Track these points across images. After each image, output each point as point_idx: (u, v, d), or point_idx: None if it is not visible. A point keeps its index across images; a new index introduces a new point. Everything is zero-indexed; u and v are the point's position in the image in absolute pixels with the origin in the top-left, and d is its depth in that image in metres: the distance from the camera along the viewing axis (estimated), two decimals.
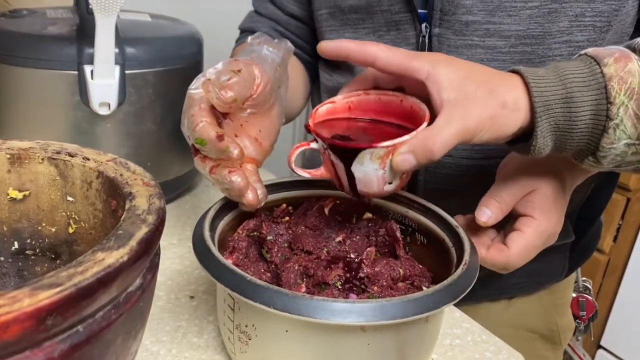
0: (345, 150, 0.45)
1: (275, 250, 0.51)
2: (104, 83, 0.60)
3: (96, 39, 0.58)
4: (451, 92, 0.44)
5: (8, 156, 0.37)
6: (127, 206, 0.31)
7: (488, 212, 0.52)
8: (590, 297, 0.90)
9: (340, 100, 0.52)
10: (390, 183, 0.47)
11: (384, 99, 0.51)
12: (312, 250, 0.51)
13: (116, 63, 0.61)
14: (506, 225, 0.56)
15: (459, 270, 0.42)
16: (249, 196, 0.47)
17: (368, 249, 0.50)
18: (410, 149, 0.44)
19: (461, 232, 0.48)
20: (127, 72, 0.62)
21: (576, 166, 0.53)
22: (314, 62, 0.78)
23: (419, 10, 0.61)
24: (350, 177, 0.47)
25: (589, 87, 0.44)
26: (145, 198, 0.32)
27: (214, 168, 0.46)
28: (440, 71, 0.45)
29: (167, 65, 0.66)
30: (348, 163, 0.46)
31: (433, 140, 0.43)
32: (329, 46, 0.49)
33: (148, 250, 0.28)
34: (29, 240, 0.39)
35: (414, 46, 0.63)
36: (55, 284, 0.23)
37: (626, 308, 1.56)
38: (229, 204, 0.51)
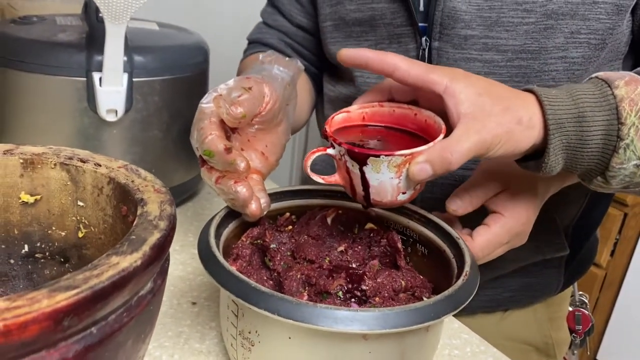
0: (363, 157, 0.46)
1: (278, 258, 0.51)
2: (112, 90, 0.61)
3: (106, 46, 0.59)
4: (468, 106, 0.45)
5: (21, 161, 0.38)
6: (139, 212, 0.31)
7: (459, 202, 0.54)
8: (586, 312, 0.91)
9: (355, 111, 0.53)
10: (404, 193, 0.48)
11: (398, 112, 0.52)
12: (315, 259, 0.52)
13: (124, 71, 0.62)
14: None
15: (460, 281, 0.43)
16: (252, 206, 0.48)
17: (371, 262, 0.50)
18: (428, 159, 0.45)
19: (462, 243, 0.49)
20: (134, 79, 0.63)
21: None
22: (319, 74, 0.80)
23: (420, 24, 0.63)
24: (365, 185, 0.48)
25: (601, 108, 0.46)
26: (156, 204, 0.32)
27: (220, 179, 0.47)
28: (458, 85, 0.46)
29: (174, 73, 0.67)
30: (364, 170, 0.47)
31: (451, 150, 0.44)
32: (348, 54, 0.50)
33: (160, 255, 0.29)
34: (38, 244, 0.39)
35: (414, 59, 0.64)
36: (72, 286, 0.24)
37: (623, 322, 1.57)
38: (233, 212, 0.52)
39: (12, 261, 0.39)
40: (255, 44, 0.80)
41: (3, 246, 0.39)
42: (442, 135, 0.46)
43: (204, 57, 0.73)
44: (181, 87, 0.69)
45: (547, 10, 0.57)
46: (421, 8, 0.63)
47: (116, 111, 0.63)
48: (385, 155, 0.45)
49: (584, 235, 0.75)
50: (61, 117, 0.63)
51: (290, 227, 0.55)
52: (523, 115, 0.46)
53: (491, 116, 0.45)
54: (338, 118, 0.52)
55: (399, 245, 0.52)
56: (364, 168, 0.46)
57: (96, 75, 0.61)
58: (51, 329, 0.23)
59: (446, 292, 0.42)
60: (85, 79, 0.61)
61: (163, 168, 0.70)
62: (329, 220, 0.55)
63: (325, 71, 0.78)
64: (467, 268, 0.45)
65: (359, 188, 0.49)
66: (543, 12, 0.57)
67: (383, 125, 0.53)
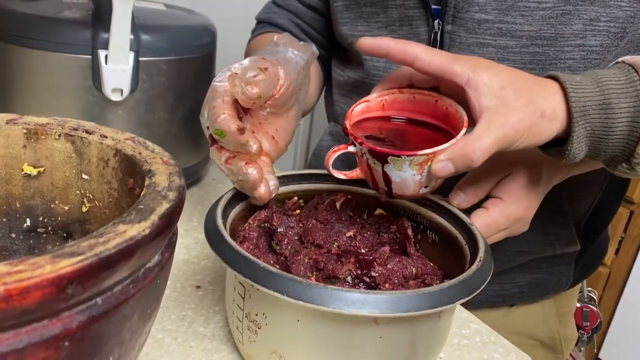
0: (384, 156, 0.45)
1: (286, 242, 0.50)
2: (117, 68, 0.60)
3: (112, 23, 0.57)
4: (490, 99, 0.44)
5: (24, 131, 0.36)
6: (146, 183, 0.30)
7: (462, 196, 0.54)
8: (594, 308, 0.90)
9: (374, 99, 0.52)
10: (426, 187, 0.48)
11: (418, 99, 0.51)
12: (323, 244, 0.50)
13: (131, 49, 0.60)
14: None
15: (474, 267, 0.42)
16: (261, 189, 0.47)
17: (382, 248, 0.49)
18: (450, 157, 0.44)
19: (475, 229, 0.48)
20: (141, 59, 0.62)
21: (557, 162, 0.54)
22: (328, 57, 0.78)
23: (433, 7, 0.61)
24: (387, 180, 0.47)
25: (627, 94, 0.44)
26: (165, 176, 0.31)
27: (230, 159, 0.46)
28: (480, 77, 0.45)
29: (181, 54, 0.66)
30: (386, 168, 0.46)
31: (473, 148, 0.43)
32: (369, 42, 0.48)
33: (169, 225, 0.27)
34: (41, 218, 0.38)
35: (426, 42, 0.62)
36: (76, 252, 0.23)
37: (626, 321, 1.56)
38: (240, 194, 0.51)
39: (13, 235, 0.38)
40: (264, 24, 0.78)
41: (4, 220, 0.38)
42: (464, 130, 0.45)
43: (211, 38, 0.72)
44: (188, 68, 0.67)
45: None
46: None
47: (121, 90, 0.61)
48: (407, 156, 0.44)
49: (595, 231, 0.74)
50: (65, 95, 0.62)
51: (298, 211, 0.54)
52: (546, 107, 0.45)
53: (514, 110, 0.44)
54: (357, 110, 0.51)
55: (409, 232, 0.51)
56: (386, 166, 0.46)
57: (102, 53, 0.60)
58: (54, 296, 0.22)
59: (460, 277, 0.40)
60: (90, 56, 0.60)
61: (168, 150, 0.68)
62: (337, 205, 0.54)
63: (334, 55, 0.77)
64: (481, 254, 0.44)
65: (381, 183, 0.48)
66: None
67: (403, 116, 0.52)
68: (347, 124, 0.49)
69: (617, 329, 1.57)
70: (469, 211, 0.53)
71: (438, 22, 0.61)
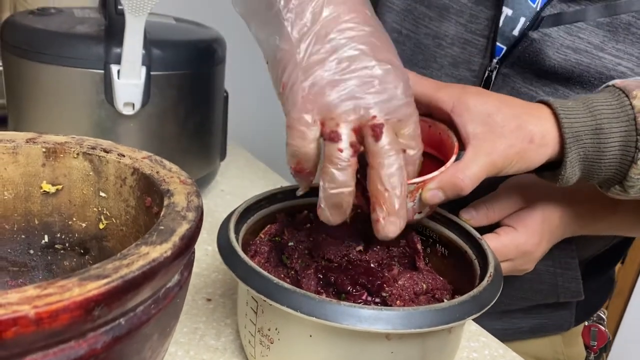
0: None
1: (296, 256, 0.51)
2: (130, 83, 0.61)
3: (125, 39, 0.58)
4: (477, 126, 0.45)
5: (44, 150, 0.37)
6: (165, 203, 0.31)
7: (473, 213, 0.54)
8: (603, 327, 0.88)
9: None
10: (419, 212, 0.49)
11: None
12: (333, 258, 0.51)
13: (142, 64, 0.61)
14: None
15: (484, 282, 0.42)
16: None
17: (391, 272, 0.49)
18: (439, 185, 0.45)
19: (484, 244, 0.48)
20: (152, 73, 0.63)
21: (575, 213, 0.55)
22: None
23: (497, 44, 0.59)
24: None
25: (619, 119, 0.45)
26: (183, 195, 0.32)
27: None
28: (466, 104, 0.46)
29: (192, 68, 0.67)
30: None
31: (461, 176, 0.44)
32: None
33: (189, 246, 0.28)
34: (59, 235, 0.39)
35: (473, 77, 0.61)
36: (102, 275, 0.23)
37: (633, 330, 1.55)
38: (251, 208, 0.52)
39: (31, 251, 0.39)
40: None
41: (23, 236, 0.38)
42: (453, 158, 0.46)
43: (221, 51, 0.73)
44: (198, 81, 0.68)
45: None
46: (501, 23, 0.58)
47: (133, 104, 0.62)
48: None
49: (597, 275, 0.73)
50: (78, 110, 0.63)
51: (308, 225, 0.55)
52: (536, 133, 0.45)
53: (502, 137, 0.45)
54: None
55: (419, 246, 0.51)
56: None
57: (114, 68, 0.60)
58: (81, 318, 0.22)
59: (471, 293, 0.41)
60: (103, 71, 0.61)
61: (178, 163, 0.68)
62: (347, 219, 0.54)
63: None
64: (491, 269, 0.44)
65: None
66: None
67: None
68: None
69: (623, 338, 1.57)
70: (480, 234, 0.54)
71: (497, 62, 0.59)
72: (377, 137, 0.38)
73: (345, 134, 0.38)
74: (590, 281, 0.71)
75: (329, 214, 0.42)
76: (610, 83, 0.48)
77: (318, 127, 0.39)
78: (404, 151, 0.41)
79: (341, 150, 0.38)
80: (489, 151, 0.45)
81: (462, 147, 0.47)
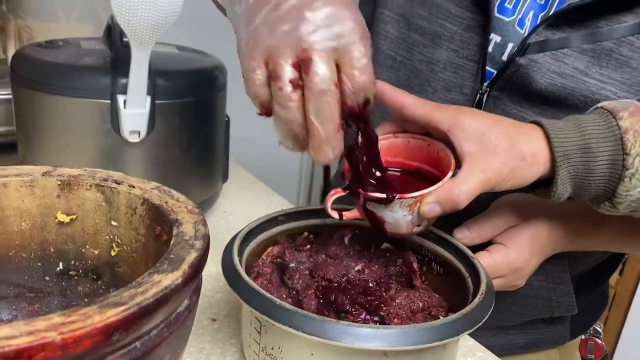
0: (377, 200, 0.49)
1: (297, 277, 0.53)
2: (135, 112, 0.63)
3: (131, 70, 0.61)
4: (472, 144, 0.48)
5: (59, 182, 0.39)
6: (174, 232, 0.33)
7: (466, 232, 0.57)
8: (599, 341, 0.90)
9: None
10: (418, 226, 0.51)
11: (412, 143, 0.55)
12: (332, 278, 0.53)
13: (147, 94, 0.64)
14: None
15: (477, 300, 0.45)
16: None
17: (388, 293, 0.51)
18: (436, 200, 0.48)
19: (477, 262, 0.50)
20: (157, 102, 0.65)
21: (562, 227, 0.57)
22: None
23: (487, 68, 0.61)
24: (382, 220, 0.51)
25: (606, 139, 0.47)
26: (191, 225, 0.34)
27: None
28: (462, 123, 0.49)
29: (195, 96, 0.69)
30: (379, 209, 0.50)
31: (457, 191, 0.47)
32: None
33: (197, 273, 0.30)
34: (73, 262, 0.41)
35: (466, 98, 0.63)
36: (120, 302, 0.26)
37: (632, 341, 1.56)
38: (253, 231, 0.54)
39: (47, 278, 0.41)
40: None
41: (39, 264, 0.41)
42: (450, 174, 0.49)
43: (223, 78, 0.75)
44: (201, 108, 0.71)
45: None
46: (490, 49, 0.61)
47: (139, 132, 0.65)
48: (398, 198, 0.48)
49: (590, 288, 0.75)
50: (86, 138, 0.65)
51: (308, 246, 0.57)
52: (527, 152, 0.48)
53: (495, 155, 0.48)
54: None
55: (415, 265, 0.54)
56: (379, 208, 0.50)
57: (120, 98, 0.63)
58: (102, 343, 0.25)
59: (464, 311, 0.43)
60: (109, 101, 0.64)
61: (182, 187, 0.71)
62: (346, 240, 0.57)
63: None
64: (483, 287, 0.46)
65: (377, 223, 0.52)
66: None
67: (397, 160, 0.56)
68: (344, 167, 0.52)
69: (623, 349, 1.58)
70: (472, 251, 0.56)
71: (487, 86, 0.61)
72: (306, 70, 0.38)
73: (284, 71, 0.39)
74: (583, 296, 0.73)
75: (289, 145, 0.43)
76: (599, 105, 0.50)
77: (263, 70, 0.40)
78: (343, 81, 0.40)
79: (281, 89, 0.39)
80: (483, 168, 0.48)
81: (459, 164, 0.49)
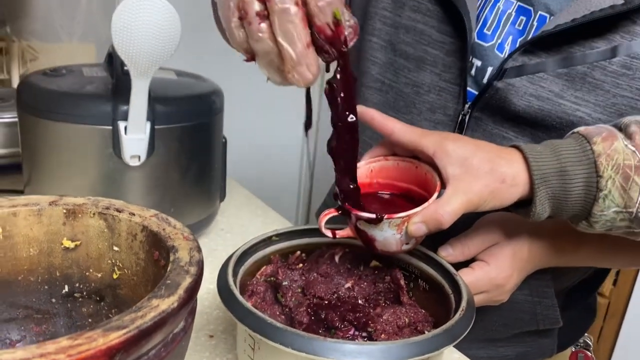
0: (367, 219, 0.52)
1: (290, 295, 0.56)
2: (136, 138, 0.66)
3: (131, 98, 0.64)
4: (456, 168, 0.51)
5: (64, 211, 0.42)
6: (171, 258, 0.36)
7: (450, 251, 0.60)
8: (589, 354, 0.92)
9: (363, 166, 0.59)
10: (407, 244, 0.55)
11: (402, 165, 0.58)
12: (324, 295, 0.56)
13: (147, 119, 0.67)
14: None
15: (457, 316, 0.47)
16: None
17: (375, 310, 0.54)
18: (422, 220, 0.51)
19: (459, 279, 0.53)
20: (156, 127, 0.68)
21: (543, 246, 0.60)
22: None
23: (468, 89, 0.65)
24: (372, 239, 0.54)
25: (581, 162, 0.51)
26: (186, 251, 0.37)
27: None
28: (446, 148, 0.52)
29: (193, 120, 0.73)
30: (369, 228, 0.53)
31: (442, 212, 0.50)
32: (359, 110, 0.54)
33: (192, 297, 0.33)
34: (77, 285, 0.44)
35: (449, 120, 0.66)
36: (122, 326, 0.29)
37: (627, 351, 1.58)
38: (247, 251, 0.57)
39: (53, 300, 0.44)
40: None
41: (46, 287, 0.43)
42: (435, 195, 0.52)
43: (220, 102, 0.79)
44: (199, 132, 0.74)
45: None
46: (472, 72, 0.64)
47: (139, 156, 0.68)
48: (386, 218, 0.51)
49: (577, 303, 0.77)
50: (88, 162, 0.68)
51: (300, 264, 0.60)
52: (507, 174, 0.51)
53: (477, 177, 0.51)
54: None
55: (402, 282, 0.56)
56: (370, 227, 0.53)
57: (121, 124, 0.66)
58: None
59: (444, 326, 0.46)
60: (111, 127, 0.67)
61: (181, 207, 0.75)
62: (336, 258, 0.60)
63: None
64: (463, 303, 0.49)
65: (367, 241, 0.55)
66: None
67: (387, 182, 0.59)
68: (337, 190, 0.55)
69: (619, 359, 1.60)
70: (456, 269, 0.59)
71: (468, 108, 0.64)
72: None
73: (250, 7, 0.40)
74: (570, 310, 0.75)
75: (275, 79, 0.44)
76: (575, 130, 0.54)
77: (237, 15, 0.41)
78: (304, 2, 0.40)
79: (250, 23, 0.41)
80: (466, 190, 0.51)
81: (443, 185, 0.53)
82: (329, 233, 0.57)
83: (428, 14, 0.66)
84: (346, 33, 0.43)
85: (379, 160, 0.59)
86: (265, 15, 0.40)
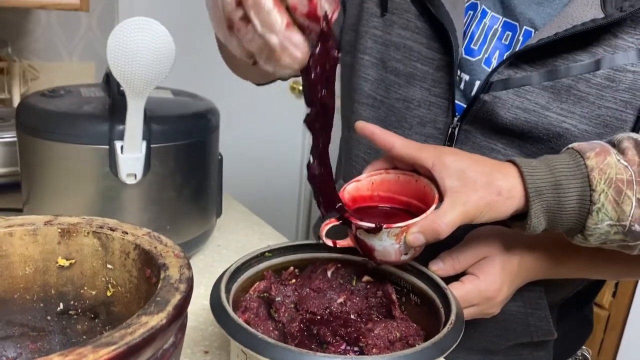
0: (367, 229, 0.54)
1: (283, 310, 0.56)
2: (132, 157, 0.68)
3: (127, 119, 0.66)
4: (453, 181, 0.53)
5: (59, 230, 0.44)
6: (162, 276, 0.37)
7: (441, 265, 0.60)
8: None
9: (364, 178, 0.60)
10: (405, 254, 0.56)
11: (402, 178, 0.59)
12: (316, 310, 0.57)
13: (143, 138, 0.68)
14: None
15: (445, 329, 0.48)
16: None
17: (366, 326, 0.55)
18: (420, 230, 0.52)
19: (449, 293, 0.54)
20: (152, 146, 0.70)
21: (532, 259, 0.61)
22: None
23: (456, 102, 0.66)
24: (372, 249, 0.55)
25: (575, 176, 0.52)
26: (176, 269, 0.38)
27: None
28: (445, 161, 0.53)
29: (188, 139, 0.74)
30: (369, 238, 0.55)
31: (439, 222, 0.51)
32: (361, 125, 0.58)
33: (181, 313, 0.34)
34: (72, 302, 0.45)
35: (439, 133, 0.68)
36: (111, 342, 0.30)
37: None
38: (241, 268, 0.58)
39: (49, 317, 0.45)
40: None
41: (41, 305, 0.44)
42: (433, 206, 0.53)
43: (215, 121, 0.80)
44: (194, 150, 0.75)
45: (575, 142, 0.60)
46: (461, 86, 0.66)
47: (135, 175, 0.69)
48: (385, 227, 0.53)
49: (571, 316, 0.78)
50: (86, 181, 0.70)
51: (293, 280, 0.61)
52: (503, 187, 0.53)
53: (474, 190, 0.52)
54: (350, 187, 0.60)
55: (393, 297, 0.57)
56: (369, 236, 0.54)
57: (118, 144, 0.68)
58: None
59: (433, 339, 0.47)
60: (108, 146, 0.68)
61: (177, 224, 0.76)
62: (329, 273, 0.60)
63: (342, 110, 0.81)
64: (452, 317, 0.50)
65: (367, 251, 0.56)
66: (572, 142, 0.60)
67: (388, 194, 0.60)
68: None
69: None
70: (447, 282, 0.60)
71: (457, 121, 0.66)
72: None
73: (235, 15, 0.43)
74: (565, 322, 0.76)
75: (268, 67, 0.45)
76: (570, 146, 0.55)
77: (226, 24, 0.44)
78: None
79: (239, 30, 0.43)
80: (463, 202, 0.52)
81: (441, 198, 0.54)
82: (329, 243, 0.58)
83: (417, 32, 0.68)
84: (326, 7, 0.43)
85: (380, 173, 0.60)
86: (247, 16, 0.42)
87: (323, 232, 0.58)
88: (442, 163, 0.54)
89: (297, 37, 0.43)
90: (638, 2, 0.57)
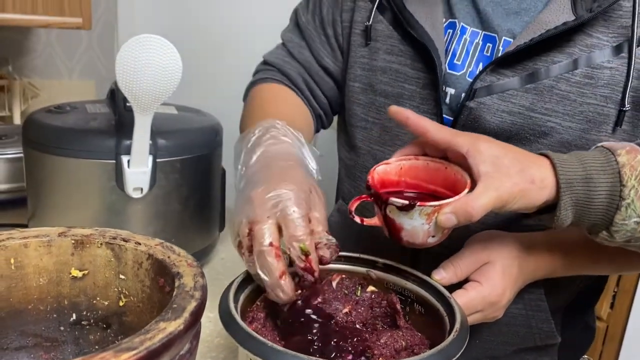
0: (399, 206, 0.54)
1: (289, 321, 0.57)
2: (138, 171, 0.69)
3: (134, 134, 0.67)
4: (488, 166, 0.53)
5: (73, 242, 0.45)
6: (176, 284, 0.38)
7: (443, 274, 0.61)
8: None
9: (394, 162, 0.61)
10: (433, 237, 0.56)
11: (432, 165, 0.60)
12: (322, 321, 0.57)
13: (149, 153, 0.70)
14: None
15: (450, 337, 0.49)
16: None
17: (372, 335, 0.55)
18: (453, 210, 0.53)
19: (453, 301, 0.55)
20: (158, 160, 0.71)
21: (532, 260, 0.63)
22: (322, 116, 0.84)
23: (444, 116, 0.68)
24: (400, 228, 0.55)
25: (605, 171, 0.54)
26: (191, 277, 0.39)
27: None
28: (479, 147, 0.54)
29: (193, 153, 0.75)
30: (399, 216, 0.55)
31: (473, 205, 0.52)
32: (395, 109, 0.59)
33: (196, 320, 0.35)
34: (85, 312, 0.46)
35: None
36: (132, 347, 0.30)
37: None
38: (248, 278, 0.58)
39: (62, 328, 0.45)
40: (273, 69, 0.82)
41: (55, 315, 0.45)
42: (467, 190, 0.54)
43: (219, 136, 0.81)
44: (199, 164, 0.77)
45: (562, 139, 0.64)
46: (447, 100, 0.68)
47: (142, 189, 0.70)
48: (418, 205, 0.53)
49: (575, 321, 0.79)
50: (92, 195, 0.71)
51: (299, 291, 0.61)
52: (536, 176, 0.54)
53: (508, 176, 0.53)
54: (379, 169, 0.60)
55: (398, 306, 0.58)
56: (400, 214, 0.54)
57: (124, 158, 0.69)
58: None
59: (438, 347, 0.48)
60: (114, 161, 0.69)
61: (182, 237, 0.77)
62: (334, 284, 0.61)
63: (339, 139, 0.84)
64: (457, 325, 0.51)
65: (395, 230, 0.56)
66: (558, 139, 0.64)
67: (416, 181, 0.60)
68: (369, 179, 0.57)
69: None
70: (450, 291, 0.61)
71: None
72: (251, 237, 0.52)
73: (245, 242, 0.52)
74: (568, 327, 0.77)
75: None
76: (599, 144, 0.57)
77: (237, 239, 0.53)
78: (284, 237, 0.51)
79: (243, 254, 0.53)
80: (496, 187, 0.53)
81: (474, 185, 0.54)
82: (357, 219, 0.58)
83: (401, 54, 0.71)
84: (327, 255, 0.52)
85: (409, 159, 0.60)
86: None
87: (353, 208, 0.58)
88: (477, 149, 0.54)
89: (288, 286, 0.51)
90: (605, 2, 0.60)
